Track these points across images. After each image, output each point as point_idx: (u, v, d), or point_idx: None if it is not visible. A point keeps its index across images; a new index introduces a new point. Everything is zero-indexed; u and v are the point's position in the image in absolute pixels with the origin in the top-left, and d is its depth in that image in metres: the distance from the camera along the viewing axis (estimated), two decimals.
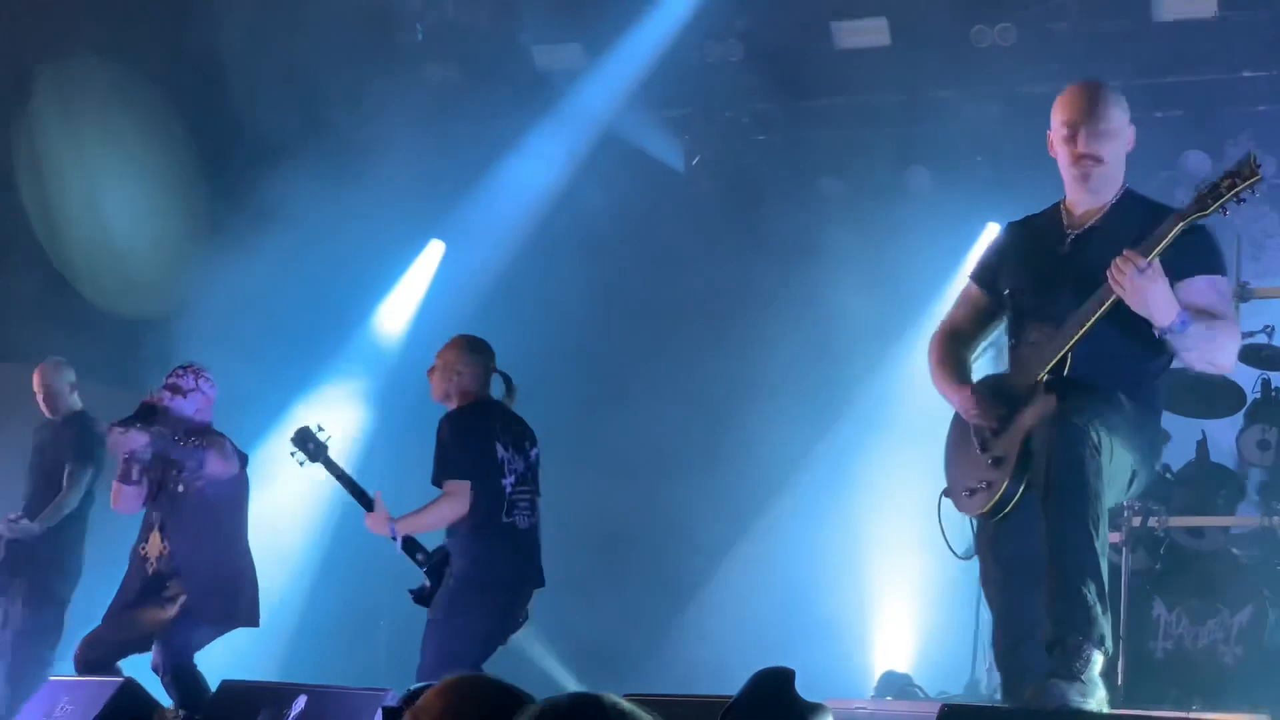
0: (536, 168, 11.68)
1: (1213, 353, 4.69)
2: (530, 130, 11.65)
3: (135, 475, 7.55)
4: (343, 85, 11.34)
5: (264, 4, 10.55)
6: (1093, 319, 4.66)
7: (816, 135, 11.84)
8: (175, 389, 7.56)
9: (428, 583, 7.18)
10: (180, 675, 7.29)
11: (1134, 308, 4.57)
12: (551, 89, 11.59)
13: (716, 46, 11.20)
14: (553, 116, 11.61)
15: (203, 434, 7.58)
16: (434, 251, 12.55)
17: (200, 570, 7.53)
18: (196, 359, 7.84)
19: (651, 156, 12.06)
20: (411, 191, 11.63)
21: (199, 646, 7.49)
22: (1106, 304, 4.62)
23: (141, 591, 7.61)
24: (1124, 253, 4.54)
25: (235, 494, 7.67)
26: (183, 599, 7.46)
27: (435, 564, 7.19)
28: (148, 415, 7.43)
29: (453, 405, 7.27)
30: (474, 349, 7.38)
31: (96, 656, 7.45)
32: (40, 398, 9.24)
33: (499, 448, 7.22)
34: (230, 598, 7.60)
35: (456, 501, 7.03)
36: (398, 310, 12.46)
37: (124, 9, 10.19)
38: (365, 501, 7.21)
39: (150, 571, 7.59)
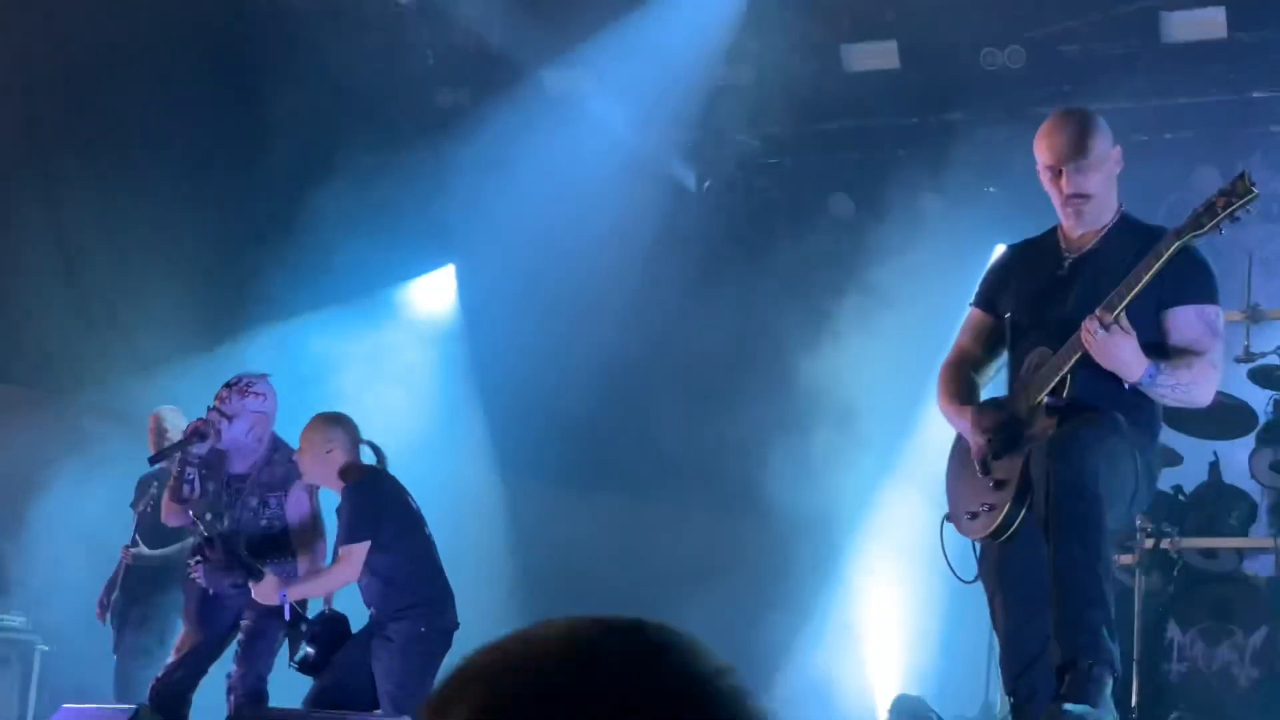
0: (547, 191, 11.70)
1: (1186, 393, 4.71)
2: (541, 154, 11.67)
3: (185, 494, 7.39)
4: (354, 110, 11.38)
5: (278, 32, 10.61)
6: (1074, 358, 4.69)
7: (827, 158, 11.85)
8: (223, 414, 7.29)
9: (312, 651, 7.03)
10: (263, 694, 7.23)
11: (1103, 365, 4.60)
12: (562, 113, 11.61)
13: (727, 70, 11.23)
14: (563, 141, 11.62)
15: (270, 477, 7.35)
16: (447, 274, 12.58)
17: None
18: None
19: (662, 180, 12.08)
20: (424, 215, 11.65)
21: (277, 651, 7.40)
22: (1079, 353, 4.66)
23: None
24: (1096, 311, 4.57)
25: (310, 510, 7.45)
26: (255, 614, 7.27)
27: (318, 632, 7.09)
28: (194, 441, 7.24)
29: (334, 484, 7.15)
30: (336, 423, 7.26)
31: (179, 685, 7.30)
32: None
33: (410, 500, 7.23)
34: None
35: (350, 566, 6.96)
36: (411, 332, 12.47)
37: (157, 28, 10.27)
38: (255, 572, 7.05)
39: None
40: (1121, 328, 4.56)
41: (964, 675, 9.75)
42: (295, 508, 7.32)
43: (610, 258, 11.44)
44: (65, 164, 10.19)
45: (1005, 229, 10.50)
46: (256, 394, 7.37)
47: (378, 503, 7.09)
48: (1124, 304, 4.58)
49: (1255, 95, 10.47)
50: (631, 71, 11.28)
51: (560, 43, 11.25)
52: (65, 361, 10.37)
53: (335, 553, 7.08)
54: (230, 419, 7.26)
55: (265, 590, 6.99)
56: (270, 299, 10.66)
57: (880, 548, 10.92)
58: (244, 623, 7.27)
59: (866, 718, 10.73)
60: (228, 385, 7.38)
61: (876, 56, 10.90)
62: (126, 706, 6.98)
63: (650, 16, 11.04)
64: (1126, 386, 4.67)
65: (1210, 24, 10.11)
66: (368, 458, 7.28)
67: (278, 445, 7.45)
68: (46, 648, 10.19)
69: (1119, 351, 4.57)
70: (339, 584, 7.08)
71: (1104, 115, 5.07)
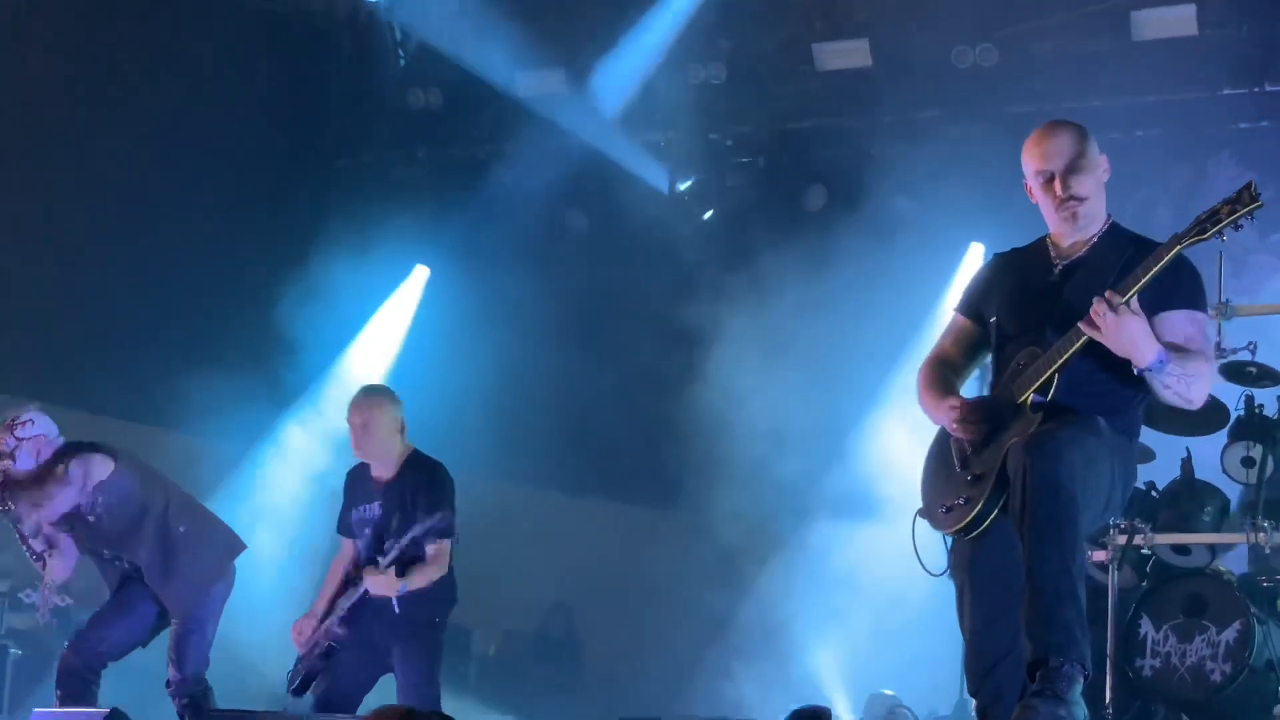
0: (520, 193, 11.68)
1: (1187, 389, 4.70)
2: (513, 156, 11.65)
3: (35, 556, 7.49)
4: (326, 112, 11.36)
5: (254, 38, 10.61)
6: (1067, 354, 4.68)
7: (799, 157, 11.85)
8: (5, 455, 7.33)
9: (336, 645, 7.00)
10: (199, 698, 7.22)
11: (1113, 349, 4.59)
12: (534, 114, 11.60)
13: (699, 70, 11.24)
14: (536, 142, 11.61)
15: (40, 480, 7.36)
16: (419, 277, 12.55)
17: (164, 569, 7.36)
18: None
19: (635, 181, 12.07)
20: (396, 217, 11.62)
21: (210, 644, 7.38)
22: (1078, 343, 4.65)
23: None
24: (1105, 294, 4.56)
25: (130, 488, 7.42)
26: (182, 617, 7.33)
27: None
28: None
29: (389, 465, 7.08)
30: (396, 399, 7.21)
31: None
32: None
33: None
34: (201, 579, 7.41)
35: (444, 561, 6.93)
36: (383, 335, 12.45)
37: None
38: (376, 564, 6.92)
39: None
40: (1132, 310, 4.55)
41: (938, 674, 9.75)
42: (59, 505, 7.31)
43: (583, 258, 11.43)
44: None
45: (979, 226, 10.56)
46: (22, 423, 7.39)
47: (450, 498, 7.01)
48: (1134, 290, 4.57)
49: (1225, 92, 10.49)
50: (603, 73, 11.28)
51: (532, 44, 11.25)
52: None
53: (422, 545, 6.89)
54: (13, 457, 7.32)
55: (385, 583, 6.86)
56: (243, 292, 10.65)
57: (854, 547, 10.92)
58: (174, 625, 7.33)
59: (841, 716, 10.74)
60: None
61: (848, 55, 10.92)
62: (99, 710, 6.95)
63: (622, 18, 11.06)
64: (1135, 371, 4.64)
65: (1180, 21, 10.16)
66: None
67: (58, 455, 7.40)
68: (19, 652, 10.14)
69: (1131, 333, 4.55)
70: (433, 579, 6.92)
71: (1076, 113, 5.10)
